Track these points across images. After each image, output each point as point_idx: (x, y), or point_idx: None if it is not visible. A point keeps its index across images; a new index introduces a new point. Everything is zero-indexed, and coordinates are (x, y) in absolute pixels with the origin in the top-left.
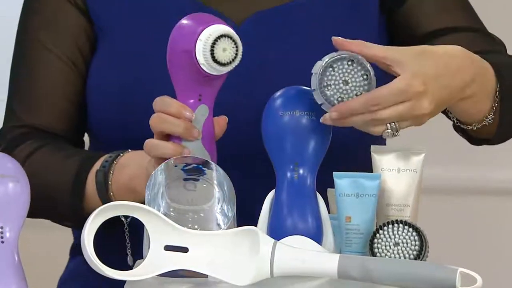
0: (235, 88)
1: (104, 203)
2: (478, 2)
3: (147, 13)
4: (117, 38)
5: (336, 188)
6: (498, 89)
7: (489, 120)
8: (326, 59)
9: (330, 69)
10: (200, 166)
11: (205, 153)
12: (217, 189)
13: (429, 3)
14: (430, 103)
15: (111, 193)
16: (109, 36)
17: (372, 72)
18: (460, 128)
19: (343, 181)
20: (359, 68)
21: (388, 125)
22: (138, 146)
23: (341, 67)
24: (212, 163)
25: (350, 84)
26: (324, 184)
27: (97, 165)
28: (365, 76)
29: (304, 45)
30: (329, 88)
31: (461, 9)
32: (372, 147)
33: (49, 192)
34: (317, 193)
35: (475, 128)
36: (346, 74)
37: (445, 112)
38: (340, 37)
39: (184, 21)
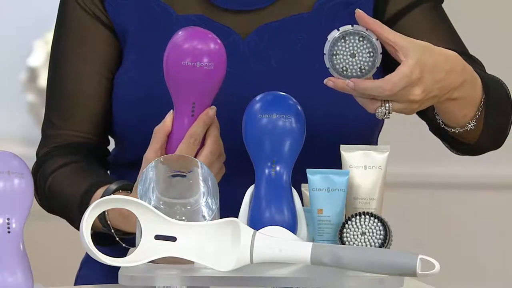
0: (240, 94)
1: (103, 226)
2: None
3: (159, 27)
4: (134, 49)
5: (309, 183)
6: (483, 99)
7: (471, 126)
8: (341, 30)
9: (342, 40)
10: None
11: None
12: (202, 184)
13: (420, 24)
14: (422, 91)
15: (109, 221)
16: (128, 48)
17: (379, 51)
18: (444, 135)
19: (315, 177)
20: (368, 45)
21: (383, 103)
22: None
23: (352, 40)
24: (198, 160)
25: (356, 57)
26: (299, 179)
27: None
28: (371, 54)
29: (305, 55)
30: (337, 56)
31: (448, 33)
32: (342, 146)
33: (64, 207)
34: (292, 187)
35: (457, 132)
36: (356, 48)
37: (432, 114)
38: (363, 11)
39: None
